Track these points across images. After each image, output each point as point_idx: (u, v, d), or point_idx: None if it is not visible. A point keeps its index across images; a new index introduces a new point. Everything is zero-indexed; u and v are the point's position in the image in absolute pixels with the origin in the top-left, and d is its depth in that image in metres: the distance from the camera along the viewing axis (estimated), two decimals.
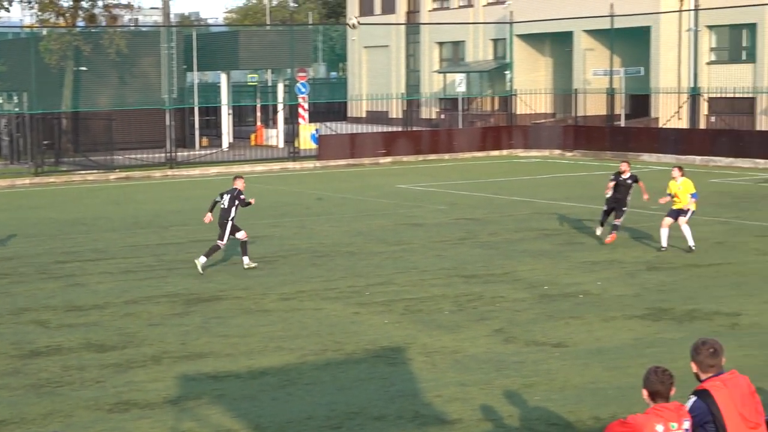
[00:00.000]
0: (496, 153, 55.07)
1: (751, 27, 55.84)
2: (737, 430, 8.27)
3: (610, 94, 55.48)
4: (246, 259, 23.85)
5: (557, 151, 54.97)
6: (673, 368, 14.80)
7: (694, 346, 8.51)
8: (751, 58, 56.06)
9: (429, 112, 73.69)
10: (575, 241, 26.94)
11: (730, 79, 55.81)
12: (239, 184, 24.15)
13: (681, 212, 24.99)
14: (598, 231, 26.77)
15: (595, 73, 59.24)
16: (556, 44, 67.60)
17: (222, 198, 23.88)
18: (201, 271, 23.25)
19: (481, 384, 14.84)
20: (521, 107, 60.50)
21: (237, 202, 23.74)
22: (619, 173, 26.36)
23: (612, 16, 54.62)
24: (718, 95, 53.75)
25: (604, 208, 26.72)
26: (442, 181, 42.78)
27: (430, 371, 15.54)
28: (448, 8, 75.30)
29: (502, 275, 22.60)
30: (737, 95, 53.60)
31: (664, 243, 24.97)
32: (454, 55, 75.52)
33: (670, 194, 25.21)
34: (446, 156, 53.80)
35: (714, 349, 8.42)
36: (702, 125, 53.95)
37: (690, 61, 56.42)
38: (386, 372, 15.58)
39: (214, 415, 13.80)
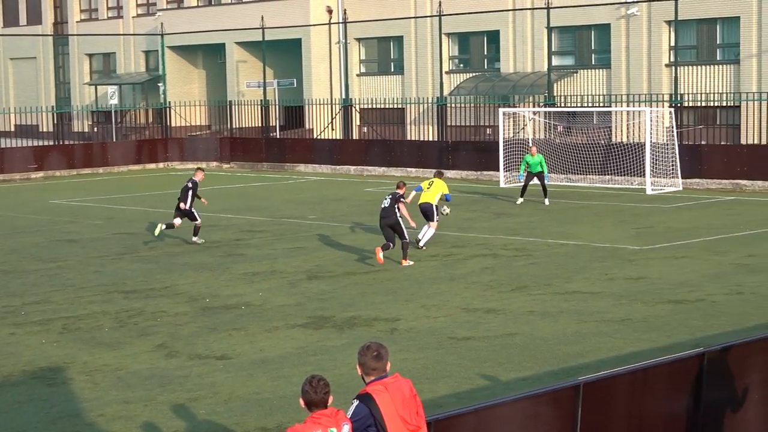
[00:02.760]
0: (152, 166, 54.53)
1: (398, 39, 57.72)
2: None
3: (265, 105, 56.00)
4: (196, 238, 28.66)
5: (214, 163, 54.99)
6: (335, 375, 15.16)
7: (360, 349, 8.64)
8: (399, 69, 57.94)
9: (81, 125, 72.07)
10: (235, 252, 26.98)
11: (380, 90, 57.52)
12: (198, 176, 29.41)
13: (428, 212, 26.59)
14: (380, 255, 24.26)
15: (249, 85, 59.67)
16: (209, 56, 67.64)
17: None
18: (201, 241, 28.51)
19: (145, 400, 14.61)
20: (176, 119, 60.16)
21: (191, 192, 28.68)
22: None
23: (263, 28, 55.17)
24: (370, 106, 55.27)
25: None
26: (97, 195, 41.92)
27: (92, 390, 15.16)
28: (97, 19, 73.90)
29: (162, 289, 22.35)
30: (388, 106, 55.27)
31: (422, 240, 26.73)
32: (105, 66, 74.20)
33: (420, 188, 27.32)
34: (101, 170, 52.79)
35: (378, 353, 8.56)
36: (355, 136, 55.31)
37: (341, 72, 57.74)
38: (46, 393, 15.08)
39: None
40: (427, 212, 26.65)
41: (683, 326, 18.07)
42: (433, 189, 26.97)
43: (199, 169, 30.35)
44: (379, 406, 8.38)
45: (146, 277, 23.72)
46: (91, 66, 74.94)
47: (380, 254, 24.13)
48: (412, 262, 24.62)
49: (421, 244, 26.49)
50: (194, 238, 28.73)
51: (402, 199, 24.78)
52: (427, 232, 26.68)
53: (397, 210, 24.56)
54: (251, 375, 15.74)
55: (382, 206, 24.92)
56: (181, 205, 28.45)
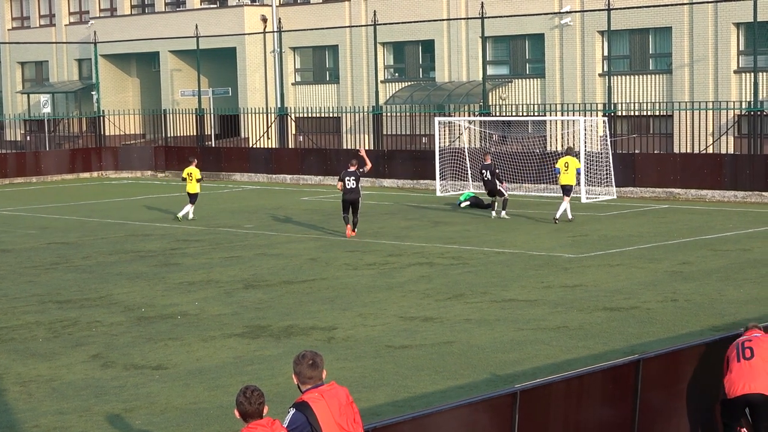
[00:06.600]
0: (86, 175, 54.09)
1: (334, 48, 57.74)
2: None
3: (200, 114, 55.77)
4: (503, 213, 33.55)
5: (149, 172, 54.68)
6: (272, 384, 15.14)
7: (295, 358, 8.67)
8: (335, 78, 57.95)
9: (14, 134, 71.31)
10: (171, 262, 26.81)
11: (315, 99, 57.49)
12: (488, 160, 33.85)
13: (566, 188, 32.38)
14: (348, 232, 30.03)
15: (183, 94, 59.39)
16: (143, 64, 67.24)
17: (483, 173, 33.60)
18: (509, 218, 33.42)
19: (80, 411, 14.48)
20: (110, 128, 59.71)
21: (492, 175, 33.34)
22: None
23: (197, 36, 54.94)
24: (305, 115, 55.21)
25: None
26: (30, 204, 41.50)
27: (26, 401, 15.01)
28: (29, 27, 73.19)
29: (97, 299, 22.16)
30: (323, 115, 55.25)
31: (557, 214, 32.19)
32: (37, 75, 73.51)
33: (557, 169, 33.01)
34: (34, 179, 52.29)
35: (313, 362, 8.59)
36: (291, 144, 55.22)
37: (276, 81, 57.65)
38: None
39: None
40: (568, 191, 32.26)
41: (619, 333, 18.23)
42: (571, 170, 32.30)
43: (486, 153, 35.25)
44: (316, 413, 8.40)
45: (81, 287, 23.51)
46: (24, 74, 74.18)
47: (349, 230, 29.82)
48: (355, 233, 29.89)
49: (557, 216, 32.11)
50: (503, 213, 33.46)
51: (362, 174, 30.26)
52: (565, 207, 32.16)
53: (360, 186, 30.05)
54: (188, 385, 15.66)
55: (348, 186, 29.81)
56: (503, 186, 33.74)
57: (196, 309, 21.02)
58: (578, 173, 33.55)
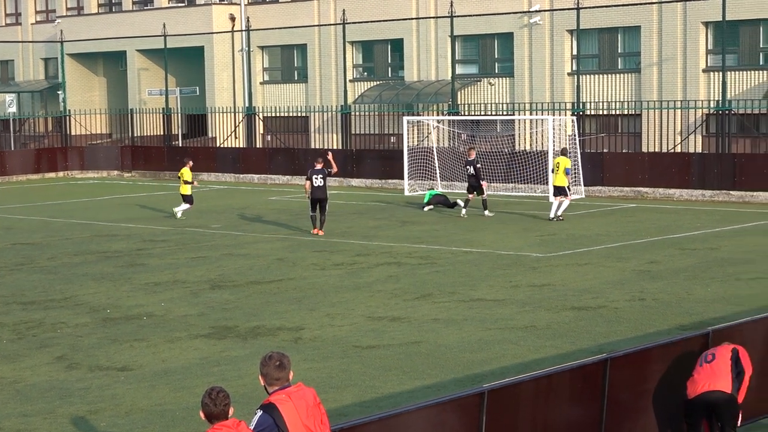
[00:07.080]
0: (52, 175, 53.77)
1: (302, 48, 57.62)
2: None
3: (167, 114, 55.51)
4: (486, 212, 34.22)
5: (115, 172, 54.41)
6: (238, 384, 15.03)
7: (262, 360, 8.60)
8: (303, 78, 57.82)
9: None
10: (137, 262, 26.62)
11: (283, 99, 57.33)
12: (473, 155, 34.22)
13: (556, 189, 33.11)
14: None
15: (151, 93, 59.10)
16: (110, 63, 66.90)
17: (468, 168, 34.15)
18: (492, 214, 34.19)
19: (44, 413, 14.32)
20: (76, 128, 59.37)
21: (475, 170, 33.81)
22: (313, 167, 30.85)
23: (165, 36, 54.69)
24: (273, 115, 55.03)
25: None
26: None
27: None
28: None
29: (62, 300, 21.96)
30: (291, 114, 55.11)
31: (551, 214, 32.69)
32: (3, 74, 73.03)
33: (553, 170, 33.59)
34: None
35: (280, 363, 8.52)
36: (259, 144, 55.05)
37: (244, 80, 57.46)
38: None
39: None
40: (559, 192, 32.84)
41: (586, 333, 18.21)
42: (560, 171, 32.66)
43: (471, 148, 35.60)
44: (283, 415, 8.33)
45: (45, 288, 23.30)
46: None
47: (316, 230, 30.42)
48: (322, 232, 30.35)
49: (559, 214, 32.59)
50: (486, 212, 34.19)
51: (328, 175, 30.78)
52: (563, 205, 32.68)
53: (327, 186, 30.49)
54: (153, 386, 15.51)
55: (315, 185, 30.42)
56: (484, 184, 34.42)
57: (162, 310, 20.85)
58: (567, 173, 33.40)
